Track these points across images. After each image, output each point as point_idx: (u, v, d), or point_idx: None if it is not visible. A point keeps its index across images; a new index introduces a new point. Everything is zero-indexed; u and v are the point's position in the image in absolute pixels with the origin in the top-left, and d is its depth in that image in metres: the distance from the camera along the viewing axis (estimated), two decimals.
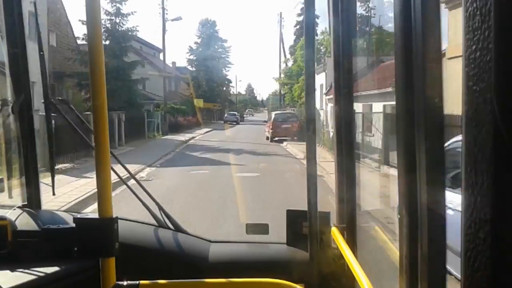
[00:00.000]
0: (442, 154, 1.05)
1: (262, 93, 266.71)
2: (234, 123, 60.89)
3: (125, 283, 1.72)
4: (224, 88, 78.01)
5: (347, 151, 2.17)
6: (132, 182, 2.43)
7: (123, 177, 2.33)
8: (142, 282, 1.76)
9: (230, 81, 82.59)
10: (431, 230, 1.06)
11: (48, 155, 2.38)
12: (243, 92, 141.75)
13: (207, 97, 61.40)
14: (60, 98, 2.34)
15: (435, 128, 1.04)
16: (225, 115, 66.76)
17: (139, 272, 2.02)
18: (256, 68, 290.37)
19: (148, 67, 42.86)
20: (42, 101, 2.27)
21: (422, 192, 1.05)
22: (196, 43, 72.70)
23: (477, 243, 0.64)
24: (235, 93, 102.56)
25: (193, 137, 33.89)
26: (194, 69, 70.28)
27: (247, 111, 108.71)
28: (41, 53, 2.29)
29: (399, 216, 1.18)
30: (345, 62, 2.12)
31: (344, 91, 2.15)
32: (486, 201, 0.63)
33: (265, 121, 60.17)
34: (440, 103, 1.02)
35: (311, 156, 2.04)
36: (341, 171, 2.19)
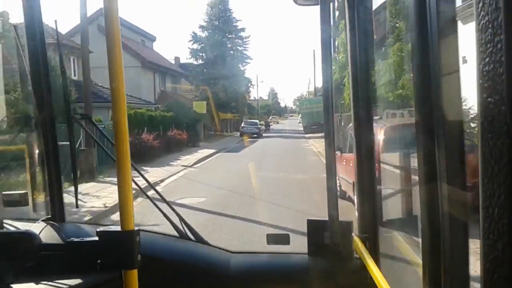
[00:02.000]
0: (462, 162, 1.04)
1: (285, 99, 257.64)
2: (255, 135, 44.06)
3: None
4: (242, 90, 58.77)
5: (368, 160, 2.16)
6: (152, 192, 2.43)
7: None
8: None
9: (249, 81, 62.78)
10: (454, 241, 1.05)
11: (72, 169, 2.43)
12: (265, 97, 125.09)
13: (218, 102, 47.54)
14: (82, 113, 2.38)
15: (454, 136, 1.03)
16: (242, 125, 48.43)
17: (161, 284, 2.03)
18: (280, 69, 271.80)
19: (126, 57, 29.20)
20: (65, 116, 2.32)
21: (444, 202, 1.05)
22: (202, 27, 52.75)
23: (495, 255, 0.65)
24: (255, 97, 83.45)
25: (163, 179, 16.28)
26: (199, 62, 51.83)
27: (270, 118, 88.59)
28: (63, 69, 2.34)
29: (421, 227, 1.18)
30: (363, 75, 2.12)
31: (362, 101, 2.14)
32: (503, 213, 0.63)
33: (293, 132, 51.77)
34: (459, 111, 1.01)
35: (331, 167, 2.04)
36: (362, 180, 2.18)
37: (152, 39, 48.53)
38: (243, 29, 55.21)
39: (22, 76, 2.55)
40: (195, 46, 52.22)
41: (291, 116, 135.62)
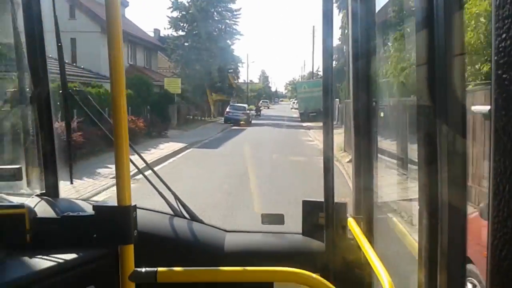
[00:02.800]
0: (463, 146, 1.03)
1: (276, 83, 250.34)
2: (242, 122, 37.47)
3: (143, 269, 1.73)
4: (231, 70, 51.76)
5: (365, 142, 2.16)
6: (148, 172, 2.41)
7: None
8: (160, 269, 1.77)
9: (239, 60, 54.02)
10: (452, 222, 1.05)
11: (67, 145, 2.41)
12: (256, 80, 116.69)
13: (200, 80, 40.20)
14: (77, 88, 2.36)
15: (457, 119, 1.03)
16: (227, 109, 40.47)
17: (156, 259, 2.03)
18: (271, 51, 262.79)
19: (81, 20, 26.33)
20: (60, 91, 2.29)
21: (443, 184, 1.04)
22: None
23: (504, 232, 0.64)
24: (245, 80, 75.71)
25: None
26: (179, 33, 43.98)
27: (261, 102, 79.96)
28: (59, 44, 2.31)
29: (419, 208, 1.18)
30: (363, 55, 2.10)
31: (362, 82, 2.13)
32: None
33: (287, 119, 46.24)
34: (462, 95, 1.01)
35: (327, 147, 2.03)
36: (359, 161, 2.18)
37: (124, 4, 38.58)
38: (233, 0, 47.21)
39: (17, 50, 2.50)
40: (175, 14, 44.12)
41: (282, 101, 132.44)
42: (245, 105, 43.63)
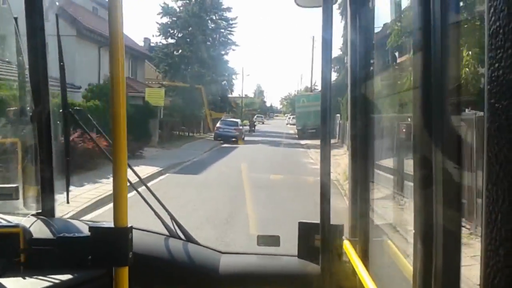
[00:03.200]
0: (459, 170, 1.05)
1: (271, 98, 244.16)
2: (234, 139, 34.05)
3: None
4: (224, 82, 47.72)
5: (362, 164, 2.17)
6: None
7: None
8: None
9: (233, 72, 49.56)
10: (446, 247, 1.06)
11: (65, 164, 2.42)
12: (251, 95, 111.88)
13: (193, 95, 36.92)
14: (78, 108, 2.38)
15: (452, 143, 1.05)
16: (218, 125, 35.96)
17: (151, 281, 2.03)
18: (266, 65, 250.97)
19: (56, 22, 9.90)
20: (61, 110, 2.31)
21: (438, 208, 1.06)
22: None
23: (497, 260, 0.65)
24: (240, 94, 72.41)
25: None
26: (169, 40, 40.86)
27: (256, 117, 76.48)
28: (61, 63, 2.34)
29: (414, 231, 1.19)
30: (362, 72, 2.13)
31: (360, 102, 2.15)
32: (507, 219, 0.64)
33: (283, 135, 42.29)
34: (458, 118, 1.03)
35: (325, 168, 2.05)
36: (355, 183, 2.19)
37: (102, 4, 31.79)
38: (228, 9, 43.94)
39: (19, 68, 2.53)
40: (165, 20, 40.78)
41: (277, 116, 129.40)
42: (238, 120, 38.91)
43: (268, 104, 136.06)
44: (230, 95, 56.08)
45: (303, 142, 34.86)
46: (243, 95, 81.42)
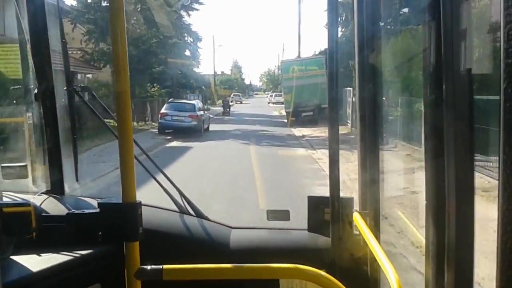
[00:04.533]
0: (471, 138, 1.02)
1: (250, 75, 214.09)
2: (191, 131, 22.84)
3: (148, 267, 1.73)
4: (187, 52, 36.46)
5: (371, 136, 2.14)
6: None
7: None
8: (165, 266, 1.77)
9: (198, 38, 37.03)
10: (460, 217, 1.04)
11: (71, 142, 2.41)
12: (228, 72, 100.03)
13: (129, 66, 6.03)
14: (82, 85, 2.36)
15: (464, 113, 1.01)
16: (163, 110, 24.37)
17: (162, 257, 2.03)
18: (243, 38, 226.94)
19: None
20: (65, 88, 2.29)
21: (450, 178, 1.03)
22: None
23: None
24: (217, 72, 63.13)
25: None
26: None
27: (232, 95, 66.69)
28: (63, 40, 2.31)
29: (426, 202, 1.16)
30: (369, 41, 2.07)
31: (368, 75, 2.10)
32: None
33: (267, 120, 32.38)
34: (470, 85, 0.99)
35: (333, 141, 2.02)
36: (364, 156, 2.16)
37: None
38: None
39: (22, 47, 2.51)
40: None
41: (257, 94, 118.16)
42: (195, 102, 25.35)
43: (247, 82, 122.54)
44: (196, 69, 42.54)
45: (297, 132, 24.61)
46: (219, 72, 72.87)
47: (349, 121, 21.73)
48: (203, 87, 47.36)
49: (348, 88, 21.98)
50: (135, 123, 24.97)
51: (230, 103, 47.22)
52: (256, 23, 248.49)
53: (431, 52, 1.08)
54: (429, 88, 1.10)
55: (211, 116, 31.82)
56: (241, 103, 69.97)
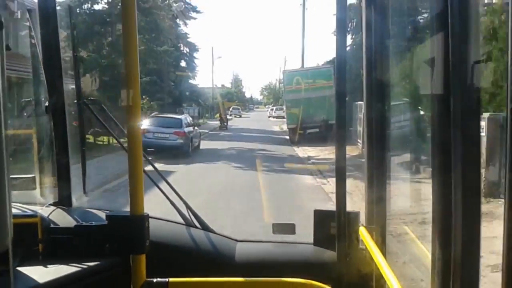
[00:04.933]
0: (478, 156, 1.03)
1: (251, 88, 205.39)
2: (175, 150, 18.89)
3: (154, 280, 1.74)
4: (183, 63, 36.13)
5: (378, 150, 2.14)
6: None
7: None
8: (171, 279, 1.78)
9: (194, 48, 37.06)
10: (466, 233, 1.04)
11: (80, 155, 2.44)
12: (228, 85, 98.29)
13: (113, 72, 24.25)
14: (92, 98, 2.39)
15: (471, 126, 1.03)
16: (144, 126, 18.39)
17: (168, 269, 2.04)
18: (244, 49, 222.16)
19: None
20: (75, 101, 2.32)
21: (457, 194, 1.04)
22: None
23: None
24: (216, 85, 61.12)
25: None
26: None
27: (231, 109, 64.42)
28: (75, 54, 2.35)
29: (432, 216, 1.17)
30: (377, 60, 2.08)
31: (376, 89, 2.11)
32: None
33: (268, 138, 28.38)
34: (477, 102, 1.00)
35: (340, 156, 2.02)
36: (371, 170, 2.17)
37: None
38: None
39: (33, 60, 2.55)
40: None
41: (257, 108, 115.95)
42: (182, 117, 21.79)
43: (248, 95, 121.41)
44: (192, 81, 40.86)
45: (301, 152, 21.43)
46: (219, 85, 70.11)
47: (360, 141, 18.68)
48: (200, 100, 45.73)
49: (360, 102, 18.79)
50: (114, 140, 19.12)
51: (229, 117, 45.41)
52: (257, 36, 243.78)
53: (439, 69, 1.09)
54: (437, 106, 1.11)
55: (205, 131, 30.39)
56: (240, 116, 67.89)
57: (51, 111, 2.43)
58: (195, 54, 37.74)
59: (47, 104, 2.41)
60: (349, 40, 24.91)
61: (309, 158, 19.16)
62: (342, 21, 1.89)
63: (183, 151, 19.48)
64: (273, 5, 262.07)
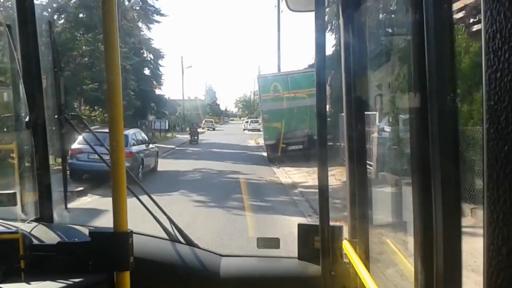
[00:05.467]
0: (457, 170, 1.05)
1: (226, 101, 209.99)
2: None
3: None
4: (147, 70, 34.23)
5: (359, 164, 2.16)
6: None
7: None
8: None
9: (159, 54, 35.38)
10: (447, 247, 1.05)
11: (62, 170, 2.42)
12: (202, 97, 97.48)
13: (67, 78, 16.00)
14: (73, 113, 2.37)
15: (450, 144, 1.04)
16: (74, 146, 13.04)
17: (152, 286, 2.02)
18: (218, 61, 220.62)
19: None
20: (56, 116, 2.30)
21: (437, 208, 1.05)
22: None
23: (499, 259, 0.66)
24: (192, 97, 60.87)
25: None
26: None
27: (204, 121, 64.38)
28: (55, 69, 2.33)
29: (413, 231, 1.18)
30: (356, 81, 2.11)
31: (355, 109, 2.14)
32: (508, 218, 0.65)
33: (244, 155, 25.43)
34: (455, 119, 1.02)
35: (323, 170, 2.03)
36: (353, 184, 2.18)
37: None
38: None
39: (13, 75, 2.53)
40: None
41: (232, 120, 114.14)
42: (132, 132, 17.49)
43: (222, 108, 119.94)
44: (158, 91, 38.01)
45: (283, 176, 17.34)
46: (192, 98, 68.19)
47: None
48: (166, 112, 42.55)
49: (342, 114, 16.21)
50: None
51: (202, 130, 42.62)
52: (230, 46, 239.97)
53: (416, 86, 1.12)
54: (415, 123, 1.13)
55: (171, 147, 28.18)
56: (213, 129, 63.94)
57: (32, 126, 2.41)
58: (160, 62, 35.76)
59: (27, 119, 2.39)
60: (332, 40, 23.11)
61: (294, 185, 14.95)
62: (321, 45, 1.90)
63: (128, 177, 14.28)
64: (246, 13, 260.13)
